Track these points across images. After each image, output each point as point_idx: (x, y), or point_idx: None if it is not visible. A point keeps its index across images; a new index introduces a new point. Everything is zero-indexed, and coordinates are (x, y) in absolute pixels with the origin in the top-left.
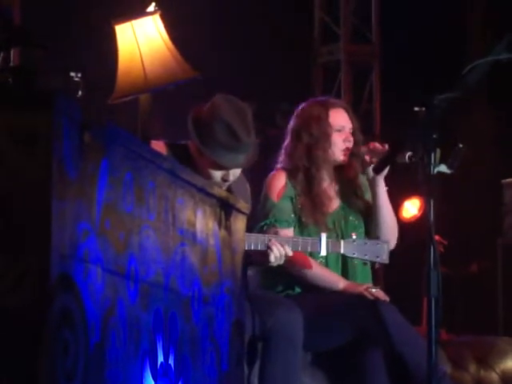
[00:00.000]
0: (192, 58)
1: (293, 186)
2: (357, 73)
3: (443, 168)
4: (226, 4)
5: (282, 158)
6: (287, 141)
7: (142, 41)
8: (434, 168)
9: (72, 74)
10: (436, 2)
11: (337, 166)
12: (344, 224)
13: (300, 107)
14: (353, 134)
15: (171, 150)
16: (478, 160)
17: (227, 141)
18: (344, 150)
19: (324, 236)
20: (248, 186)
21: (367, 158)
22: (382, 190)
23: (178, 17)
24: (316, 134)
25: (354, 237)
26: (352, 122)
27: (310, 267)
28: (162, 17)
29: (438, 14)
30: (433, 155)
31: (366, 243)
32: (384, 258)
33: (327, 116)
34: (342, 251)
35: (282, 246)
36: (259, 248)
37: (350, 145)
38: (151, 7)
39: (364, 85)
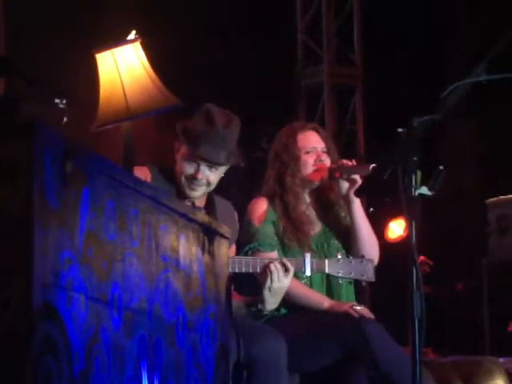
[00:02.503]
0: (174, 85)
1: (274, 210)
2: (340, 94)
3: (424, 190)
4: (209, 28)
5: (262, 186)
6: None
7: (123, 69)
8: (415, 190)
9: (57, 100)
10: (418, 24)
11: (316, 188)
12: (327, 246)
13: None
14: (327, 153)
15: (155, 174)
16: (462, 180)
17: (203, 126)
18: (316, 170)
19: (308, 256)
20: (236, 215)
21: (337, 175)
22: (358, 206)
23: (160, 44)
24: (286, 160)
25: (339, 256)
26: (325, 142)
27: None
28: (143, 44)
29: (421, 35)
30: (414, 177)
31: (350, 262)
32: (370, 276)
33: (295, 141)
34: (326, 271)
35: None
36: (248, 271)
37: (325, 163)
38: (132, 35)
39: (347, 106)
